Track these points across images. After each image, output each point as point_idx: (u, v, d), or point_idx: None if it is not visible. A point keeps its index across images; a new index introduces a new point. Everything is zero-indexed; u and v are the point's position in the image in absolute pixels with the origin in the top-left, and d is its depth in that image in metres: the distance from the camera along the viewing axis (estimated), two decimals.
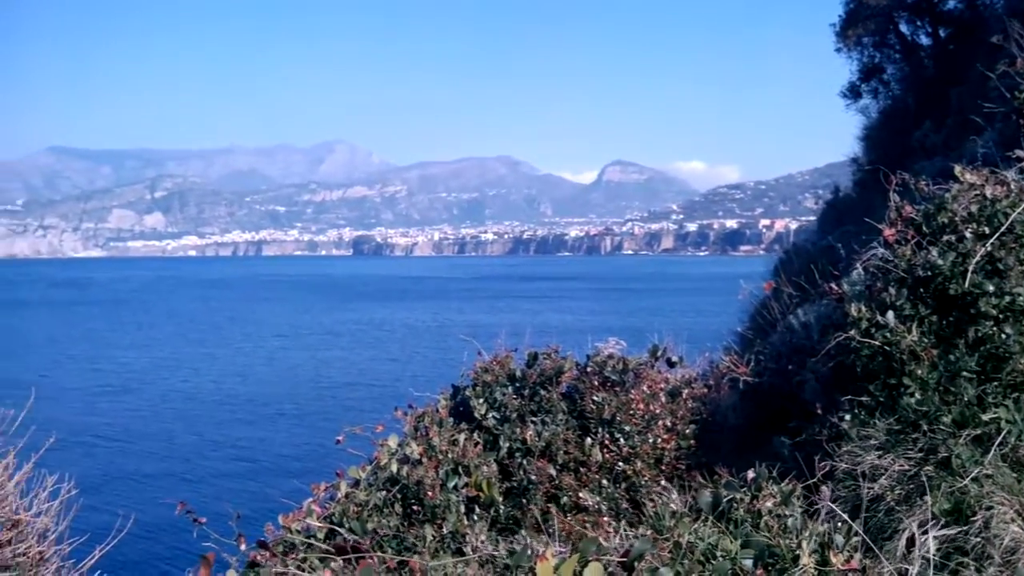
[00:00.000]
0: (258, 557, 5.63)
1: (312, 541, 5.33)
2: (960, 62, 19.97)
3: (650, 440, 7.17)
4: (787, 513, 3.83)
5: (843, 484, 4.78)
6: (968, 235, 5.32)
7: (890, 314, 5.24)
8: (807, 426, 5.77)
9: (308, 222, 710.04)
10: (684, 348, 8.16)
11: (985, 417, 4.72)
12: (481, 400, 7.60)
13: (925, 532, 3.98)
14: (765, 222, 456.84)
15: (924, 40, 22.68)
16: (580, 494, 6.88)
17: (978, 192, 5.55)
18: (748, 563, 3.45)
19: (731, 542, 3.50)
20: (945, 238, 5.42)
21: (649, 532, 3.73)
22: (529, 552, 3.38)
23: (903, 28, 22.78)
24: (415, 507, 6.35)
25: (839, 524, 3.89)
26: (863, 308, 5.37)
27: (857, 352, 5.31)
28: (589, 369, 7.78)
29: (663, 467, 7.08)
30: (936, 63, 21.63)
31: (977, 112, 9.35)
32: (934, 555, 3.90)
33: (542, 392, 7.71)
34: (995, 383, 4.92)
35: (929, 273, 5.29)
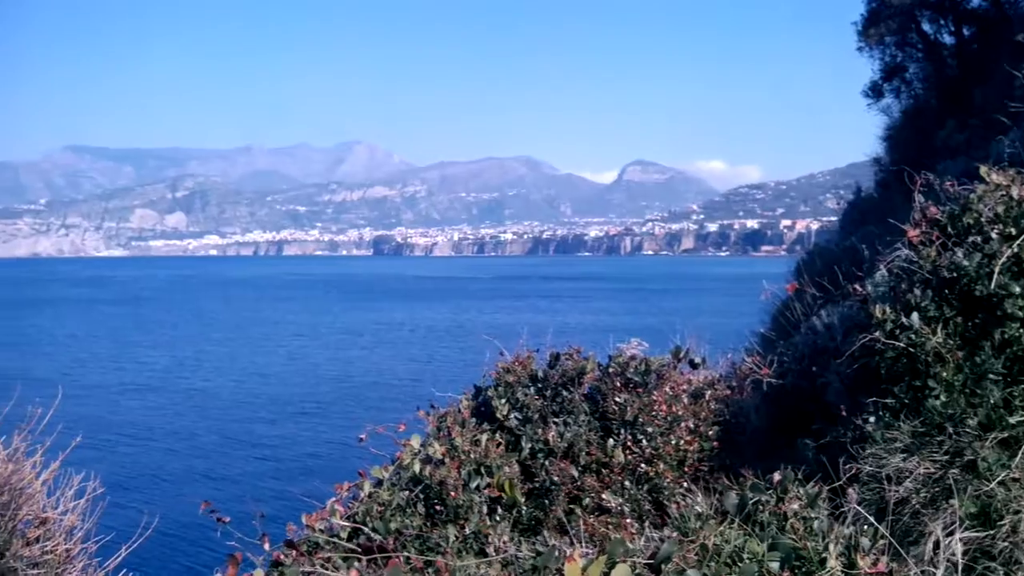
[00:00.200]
0: (282, 556, 5.66)
1: (336, 540, 5.36)
2: (984, 61, 19.80)
3: (673, 442, 7.15)
4: (813, 516, 3.82)
5: (868, 487, 4.75)
6: (994, 236, 5.29)
7: (915, 316, 5.21)
8: (831, 428, 5.74)
9: (328, 222, 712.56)
10: (706, 349, 8.13)
11: (1012, 420, 4.69)
12: (503, 400, 7.60)
13: (951, 535, 3.96)
14: (786, 222, 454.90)
15: (947, 39, 22.48)
16: (603, 495, 6.87)
17: (1004, 192, 5.51)
18: (775, 566, 3.44)
19: (757, 544, 3.49)
20: (971, 239, 5.39)
21: (675, 534, 3.72)
22: (557, 553, 3.39)
23: (926, 27, 22.60)
24: (438, 507, 6.36)
25: (865, 527, 3.87)
26: (887, 310, 5.34)
27: (881, 354, 5.28)
28: (611, 370, 7.76)
29: (686, 469, 7.06)
30: (959, 62, 21.45)
31: (1002, 111, 9.27)
32: (961, 559, 3.88)
33: (564, 393, 7.70)
34: (1022, 385, 4.88)
35: (954, 274, 5.25)
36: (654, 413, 7.29)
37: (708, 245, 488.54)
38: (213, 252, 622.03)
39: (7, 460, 5.86)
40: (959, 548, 3.91)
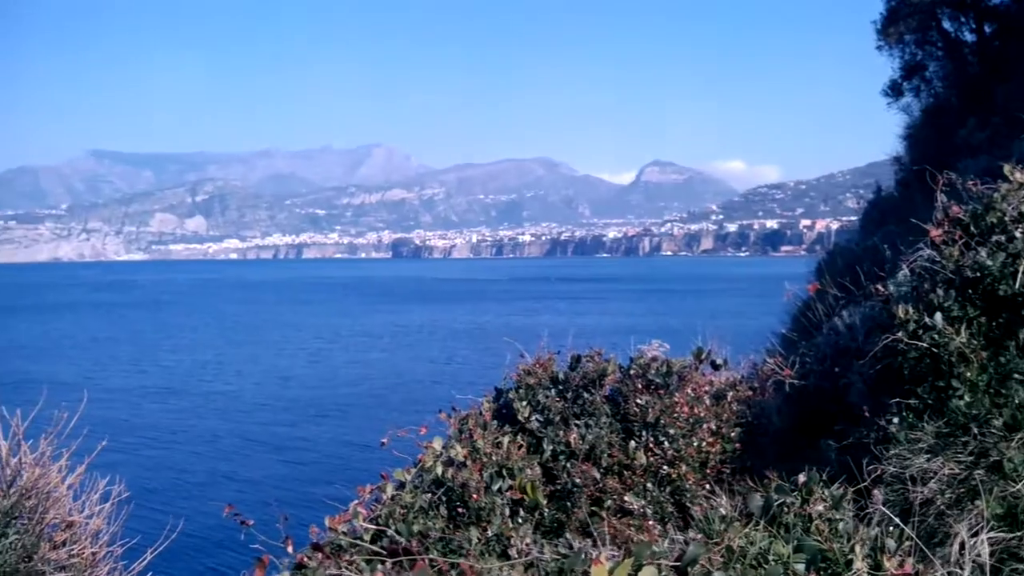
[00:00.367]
0: (305, 559, 5.69)
1: (360, 543, 5.38)
2: (1005, 58, 19.67)
3: (695, 443, 7.14)
4: (838, 517, 3.81)
5: (891, 488, 4.74)
6: (1018, 235, 5.25)
7: (938, 316, 5.18)
8: (853, 429, 5.72)
9: (347, 225, 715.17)
10: (728, 350, 8.11)
11: None
12: (524, 403, 7.61)
13: (977, 536, 3.94)
14: (806, 222, 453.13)
15: (968, 36, 22.33)
16: (625, 498, 6.86)
17: None
18: (801, 567, 3.44)
19: (783, 546, 3.49)
20: (994, 238, 5.36)
21: (699, 536, 3.72)
22: (583, 556, 3.39)
23: (946, 25, 22.46)
24: (460, 509, 6.37)
25: (890, 528, 3.86)
26: (910, 310, 5.31)
27: (904, 354, 5.26)
28: (632, 372, 7.76)
29: (708, 471, 7.04)
30: (980, 60, 21.31)
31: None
32: (988, 560, 3.86)
33: (585, 395, 7.71)
34: None
35: (978, 274, 5.23)
36: (676, 415, 7.28)
37: (727, 245, 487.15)
38: (233, 256, 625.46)
39: (34, 464, 5.92)
40: (986, 549, 3.89)
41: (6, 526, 5.52)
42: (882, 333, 5.51)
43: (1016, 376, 4.86)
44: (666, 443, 7.16)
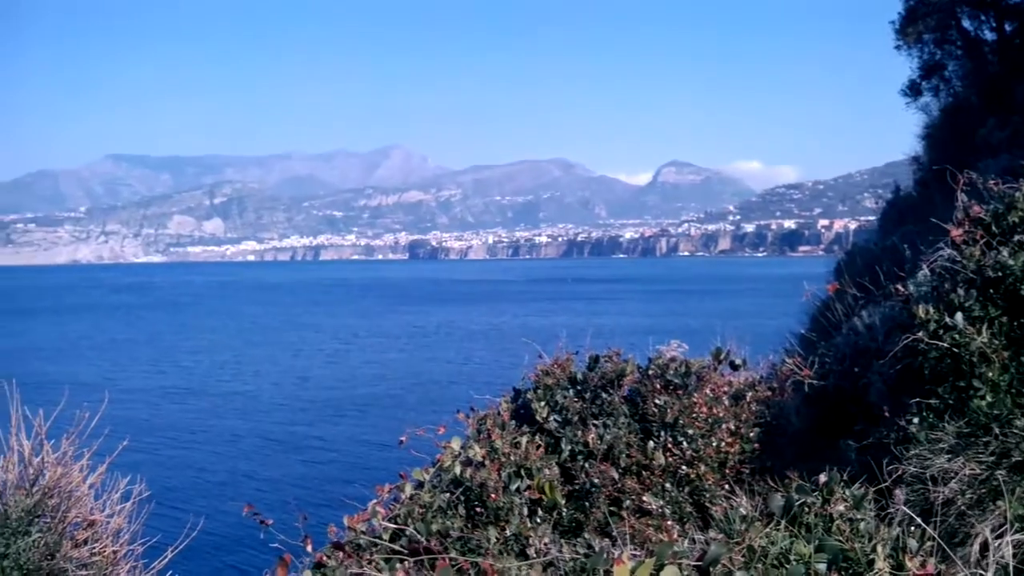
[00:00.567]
0: (324, 558, 5.72)
1: (380, 542, 5.40)
2: None
3: (714, 444, 7.13)
4: (859, 517, 3.80)
5: (912, 488, 4.72)
6: None
7: (959, 315, 5.16)
8: (873, 429, 5.70)
9: (364, 227, 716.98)
10: (746, 351, 8.08)
11: None
12: (543, 403, 7.61)
13: (1000, 537, 3.92)
14: (824, 222, 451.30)
15: (988, 35, 22.17)
16: (643, 498, 6.85)
17: None
18: (822, 567, 3.43)
19: (804, 546, 3.48)
20: (1016, 238, 5.33)
21: (720, 536, 3.72)
22: (605, 555, 3.40)
23: (966, 23, 22.31)
24: (478, 509, 6.38)
25: (911, 528, 3.85)
26: (931, 309, 5.29)
27: (925, 354, 5.24)
28: (651, 372, 7.75)
29: (727, 471, 7.03)
30: (1000, 58, 21.15)
31: None
32: (1012, 562, 3.84)
33: (603, 395, 7.71)
34: None
35: (999, 274, 5.20)
36: (695, 415, 7.27)
37: (745, 246, 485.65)
38: (251, 258, 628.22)
39: (56, 464, 5.97)
40: (1009, 551, 3.87)
41: (29, 524, 5.57)
42: (902, 333, 5.49)
43: None
44: (685, 443, 7.15)
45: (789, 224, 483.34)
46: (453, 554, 5.26)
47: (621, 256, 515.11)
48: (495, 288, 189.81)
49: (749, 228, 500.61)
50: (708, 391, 7.48)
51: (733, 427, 7.24)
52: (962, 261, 5.44)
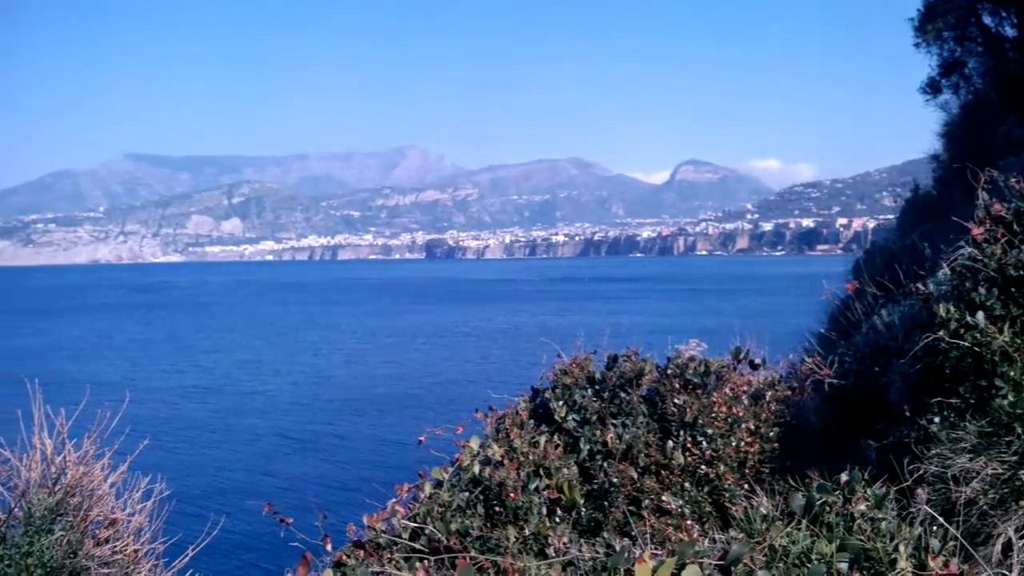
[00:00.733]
0: (343, 557, 5.74)
1: (400, 540, 5.41)
2: None
3: (733, 443, 7.11)
4: (881, 516, 3.79)
5: (933, 488, 4.69)
6: None
7: (980, 314, 5.13)
8: (893, 428, 5.68)
9: (382, 226, 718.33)
10: (766, 350, 8.06)
11: None
12: (561, 402, 7.62)
13: (1023, 538, 3.89)
14: (842, 221, 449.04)
15: (1009, 31, 22.01)
16: (663, 497, 6.85)
17: None
18: (844, 567, 3.42)
19: (826, 545, 3.47)
20: None
21: (741, 536, 3.71)
22: (627, 555, 3.40)
23: (986, 20, 22.16)
24: (497, 508, 6.39)
25: (933, 528, 3.83)
26: (951, 308, 5.26)
27: (946, 353, 5.21)
28: (670, 371, 7.74)
29: (747, 470, 7.01)
30: (1021, 55, 21.00)
31: None
32: None
33: (622, 394, 7.70)
34: None
35: (1021, 272, 5.17)
36: (714, 414, 7.25)
37: (763, 245, 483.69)
38: (269, 257, 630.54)
39: (78, 463, 6.02)
40: None
41: (52, 523, 5.61)
42: (923, 332, 5.46)
43: None
44: (704, 443, 7.14)
45: (807, 223, 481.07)
46: (473, 553, 5.27)
47: (638, 255, 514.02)
48: (512, 287, 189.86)
49: (767, 227, 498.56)
50: (727, 390, 7.47)
51: (753, 427, 7.22)
52: (983, 259, 5.41)
